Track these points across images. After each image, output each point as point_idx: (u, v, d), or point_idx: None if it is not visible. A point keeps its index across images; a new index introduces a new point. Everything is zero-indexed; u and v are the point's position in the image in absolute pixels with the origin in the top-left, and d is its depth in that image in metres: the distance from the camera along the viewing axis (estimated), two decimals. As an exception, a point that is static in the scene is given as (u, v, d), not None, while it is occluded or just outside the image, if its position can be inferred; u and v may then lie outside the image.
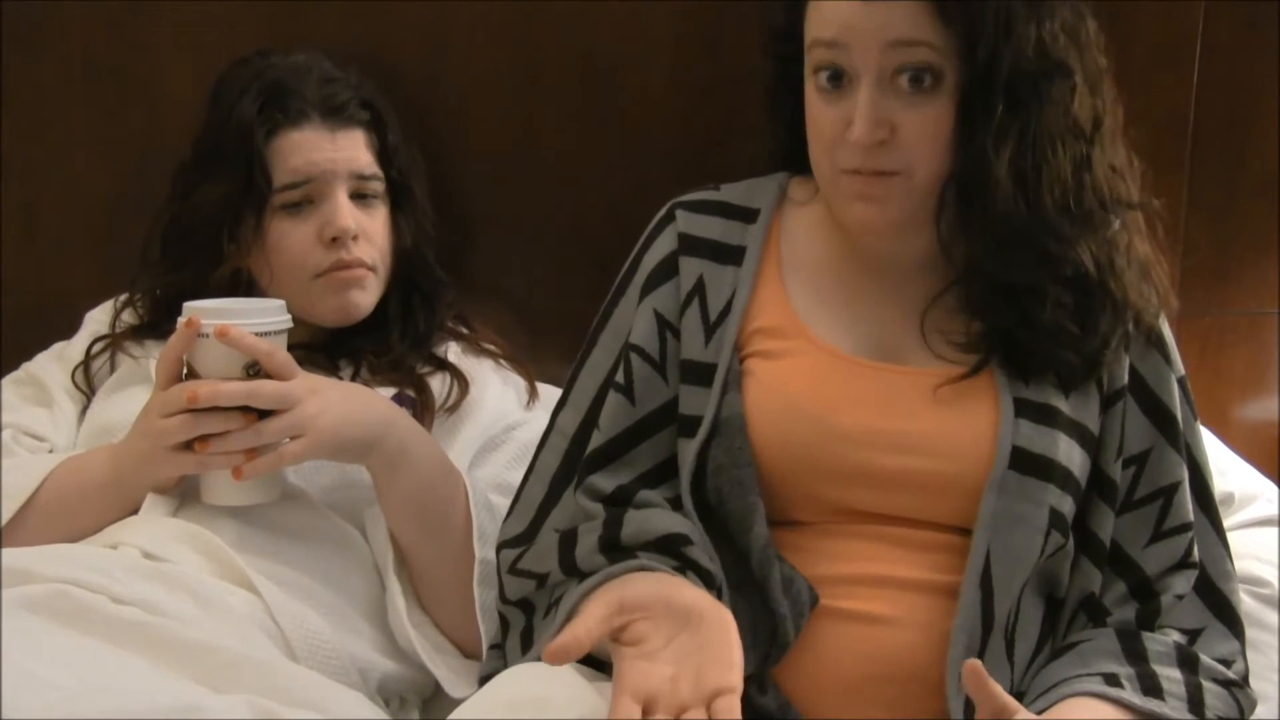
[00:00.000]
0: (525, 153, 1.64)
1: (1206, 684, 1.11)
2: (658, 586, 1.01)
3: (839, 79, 1.10)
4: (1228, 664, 1.14)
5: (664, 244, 1.22)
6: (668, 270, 1.20)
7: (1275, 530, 1.45)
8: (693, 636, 0.97)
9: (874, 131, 1.07)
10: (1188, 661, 1.12)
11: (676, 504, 1.16)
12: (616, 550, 1.11)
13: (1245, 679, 1.15)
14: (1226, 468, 1.52)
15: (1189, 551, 1.16)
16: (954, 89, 1.07)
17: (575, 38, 1.60)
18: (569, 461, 1.19)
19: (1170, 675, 1.10)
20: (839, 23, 1.08)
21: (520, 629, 1.18)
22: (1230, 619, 1.17)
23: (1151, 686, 1.09)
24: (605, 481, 1.16)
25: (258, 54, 1.44)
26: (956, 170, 1.09)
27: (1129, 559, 1.15)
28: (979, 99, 1.07)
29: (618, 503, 1.15)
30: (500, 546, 1.21)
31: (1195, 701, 1.09)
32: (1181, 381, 1.20)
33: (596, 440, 1.17)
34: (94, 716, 0.94)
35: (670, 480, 1.17)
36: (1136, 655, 1.11)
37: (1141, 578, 1.15)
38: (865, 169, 1.10)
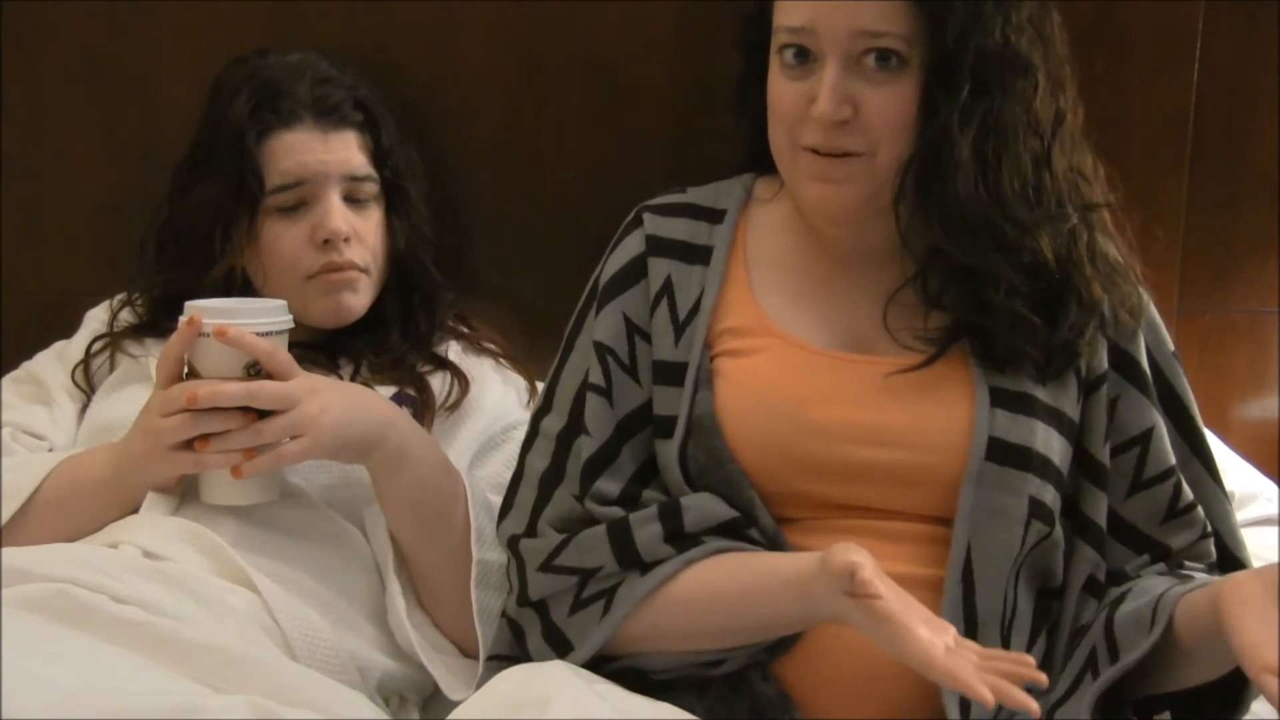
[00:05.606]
0: (525, 153, 1.64)
1: None
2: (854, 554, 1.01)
3: (805, 56, 1.10)
4: None
5: (631, 246, 1.22)
6: (635, 273, 1.21)
7: (1275, 529, 1.45)
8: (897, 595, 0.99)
9: (838, 109, 1.08)
10: None
11: None
12: (682, 539, 1.11)
13: None
14: (1226, 467, 1.51)
15: (1205, 523, 1.16)
16: (919, 71, 1.08)
17: (575, 38, 1.60)
18: (557, 463, 1.19)
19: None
20: (807, 12, 1.09)
21: (540, 630, 1.16)
22: None
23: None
24: (610, 486, 1.15)
25: (255, 53, 1.44)
26: (917, 152, 1.10)
27: (1148, 537, 1.16)
28: (944, 81, 1.07)
29: (628, 506, 1.14)
30: (515, 541, 1.18)
31: None
32: (1174, 356, 1.20)
33: (590, 446, 1.16)
34: (94, 716, 0.94)
35: (654, 481, 1.17)
36: (1185, 579, 1.11)
37: (1165, 550, 1.15)
38: (826, 148, 1.10)
